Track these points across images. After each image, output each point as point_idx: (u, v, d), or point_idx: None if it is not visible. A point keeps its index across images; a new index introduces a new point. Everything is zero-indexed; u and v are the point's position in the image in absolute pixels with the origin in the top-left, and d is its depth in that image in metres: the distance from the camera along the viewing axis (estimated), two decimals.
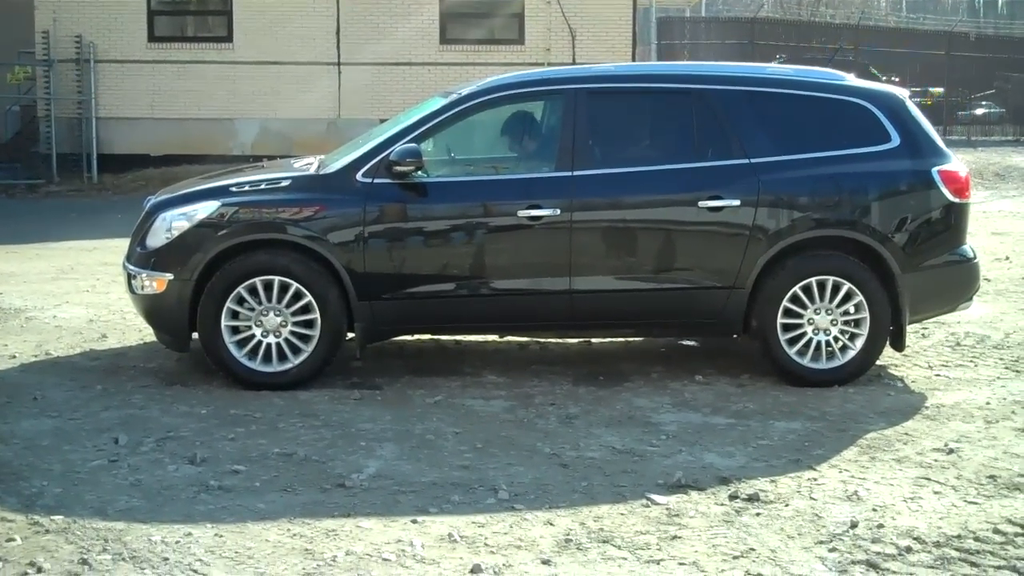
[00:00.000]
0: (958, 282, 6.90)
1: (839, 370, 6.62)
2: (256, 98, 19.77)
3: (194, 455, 5.28)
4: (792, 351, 6.59)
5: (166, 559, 4.17)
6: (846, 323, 6.59)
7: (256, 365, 6.47)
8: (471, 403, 6.28)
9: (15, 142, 23.05)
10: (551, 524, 4.56)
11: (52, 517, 4.54)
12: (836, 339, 6.60)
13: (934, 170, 6.71)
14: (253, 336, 6.47)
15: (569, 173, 6.59)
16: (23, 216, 15.54)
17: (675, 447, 5.54)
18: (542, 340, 7.62)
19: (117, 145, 19.84)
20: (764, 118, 6.74)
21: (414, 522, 4.56)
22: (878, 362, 6.92)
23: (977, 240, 12.72)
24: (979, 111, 32.80)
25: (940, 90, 32.39)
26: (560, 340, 7.65)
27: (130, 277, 6.72)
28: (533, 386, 6.61)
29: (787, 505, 4.77)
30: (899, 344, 6.78)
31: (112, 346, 7.55)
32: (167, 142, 19.59)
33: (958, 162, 6.91)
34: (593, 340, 7.67)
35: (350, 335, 6.65)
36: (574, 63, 19.03)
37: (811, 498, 4.86)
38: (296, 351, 6.48)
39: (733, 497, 4.85)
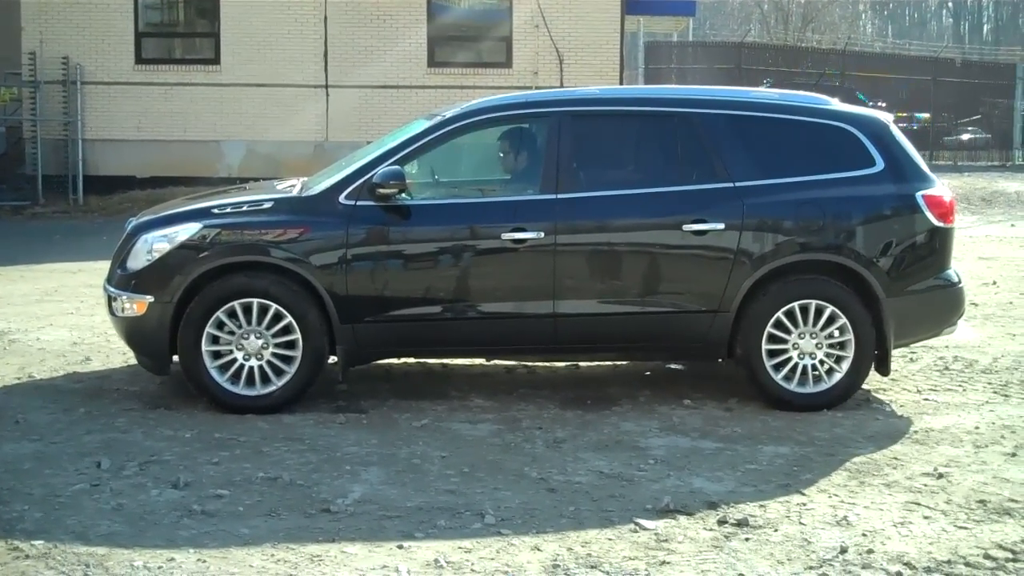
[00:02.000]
0: (943, 306, 6.89)
1: (824, 394, 6.60)
2: (243, 120, 19.75)
3: (177, 479, 5.22)
4: (777, 376, 6.57)
5: None
6: (831, 347, 6.57)
7: (237, 388, 6.41)
8: (458, 427, 6.24)
9: (0, 163, 22.99)
10: (538, 549, 4.51)
11: (32, 542, 4.48)
12: (822, 363, 6.58)
13: (918, 194, 6.71)
14: (234, 359, 6.41)
15: (553, 196, 6.57)
16: (8, 238, 15.45)
17: (663, 472, 5.50)
18: (529, 364, 7.58)
19: (103, 167, 19.79)
20: (748, 142, 6.74)
21: (400, 547, 4.51)
22: (866, 386, 6.90)
23: (964, 265, 12.75)
24: (965, 136, 32.97)
25: (926, 115, 32.57)
26: (547, 364, 7.61)
27: (110, 299, 6.67)
28: (520, 410, 6.57)
29: (776, 530, 4.74)
30: (884, 368, 6.75)
31: (96, 369, 7.48)
32: (153, 164, 19.55)
33: (942, 187, 6.92)
34: (581, 364, 7.63)
35: (333, 358, 6.60)
36: (562, 87, 19.06)
37: (800, 523, 4.82)
38: (278, 374, 6.42)
39: (722, 522, 4.82)
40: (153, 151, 19.69)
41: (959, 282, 6.91)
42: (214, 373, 6.39)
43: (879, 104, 26.08)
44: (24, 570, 4.23)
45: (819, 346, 6.56)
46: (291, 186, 7.11)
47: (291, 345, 6.41)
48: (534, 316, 6.56)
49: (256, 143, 19.76)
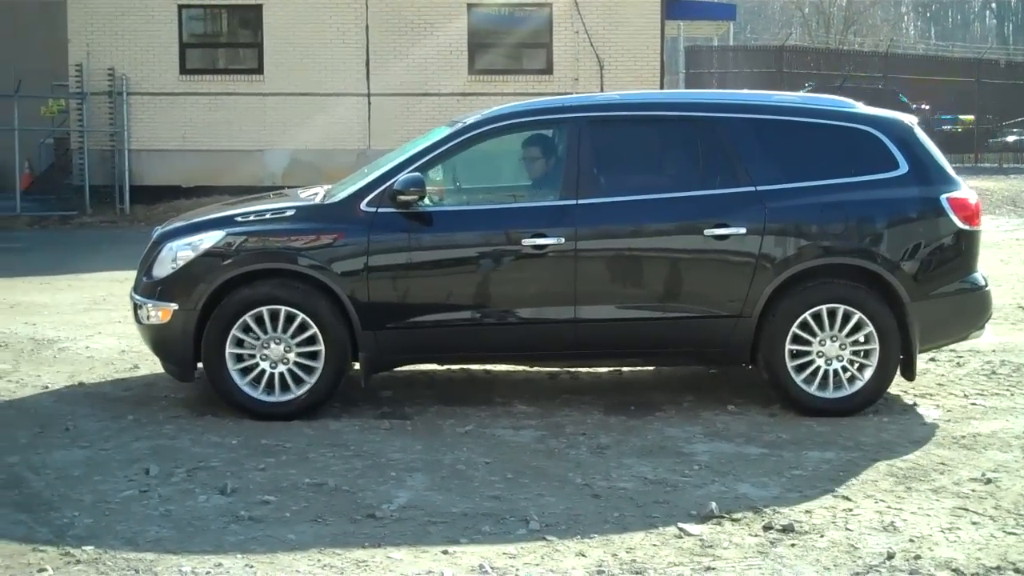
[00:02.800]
0: (969, 310, 6.82)
1: (848, 399, 6.55)
2: (286, 129, 19.91)
3: (224, 485, 5.28)
4: (800, 379, 6.53)
5: None
6: (855, 352, 6.52)
7: (260, 395, 6.47)
8: (501, 433, 6.25)
9: (49, 174, 23.31)
10: (583, 555, 4.51)
11: (83, 548, 4.54)
12: (845, 369, 6.54)
13: (943, 197, 6.65)
14: (257, 366, 6.47)
15: (574, 201, 6.57)
16: (56, 247, 15.67)
17: (708, 477, 5.48)
18: (572, 369, 7.58)
19: (149, 177, 20.02)
20: (770, 146, 6.71)
21: (445, 553, 4.53)
22: (912, 391, 6.84)
23: (1011, 268, 12.61)
24: (1010, 138, 32.60)
25: (970, 117, 32.24)
26: (590, 369, 7.61)
27: (136, 307, 6.76)
28: (564, 416, 6.58)
29: (822, 536, 4.71)
30: (910, 373, 6.68)
31: (143, 376, 7.57)
32: (198, 173, 19.74)
33: (967, 189, 6.84)
34: (624, 369, 7.63)
35: (356, 365, 6.64)
36: (602, 92, 19.05)
37: (847, 529, 4.79)
38: (300, 381, 6.47)
39: (767, 528, 4.80)
40: (197, 161, 19.90)
41: (985, 285, 6.84)
42: (237, 379, 6.45)
43: (922, 107, 25.84)
44: (75, 575, 4.28)
45: (843, 351, 6.52)
46: (314, 194, 7.16)
47: (314, 352, 6.45)
48: (555, 321, 6.57)
49: (299, 152, 19.91)
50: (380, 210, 6.51)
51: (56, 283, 11.98)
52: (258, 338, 6.45)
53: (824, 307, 6.49)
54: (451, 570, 4.35)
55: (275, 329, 6.43)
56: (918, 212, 6.67)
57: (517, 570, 4.36)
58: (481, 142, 6.80)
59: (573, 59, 20.36)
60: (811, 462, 5.71)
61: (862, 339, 6.50)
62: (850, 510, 5.02)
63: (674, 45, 29.35)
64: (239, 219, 6.70)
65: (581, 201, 6.56)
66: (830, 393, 6.54)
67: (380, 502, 5.09)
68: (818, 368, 6.53)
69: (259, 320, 6.44)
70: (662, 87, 20.76)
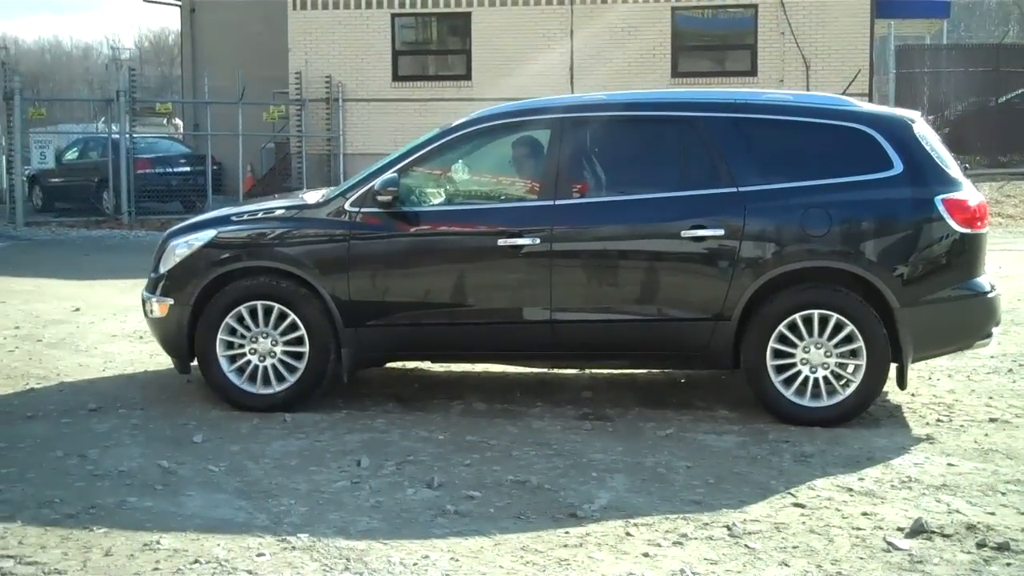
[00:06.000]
0: (968, 317, 6.44)
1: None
2: None
3: (432, 479, 5.43)
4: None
5: None
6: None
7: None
8: (703, 437, 6.22)
9: (269, 177, 24.45)
10: (786, 565, 4.45)
11: (299, 535, 4.75)
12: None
13: (938, 199, 6.29)
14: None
15: (552, 202, 6.53)
16: None
17: (918, 491, 5.31)
18: None
19: None
20: (756, 146, 6.50)
21: (646, 555, 4.54)
22: None
23: None
24: None
25: None
26: None
27: (143, 302, 7.12)
28: (767, 422, 6.48)
29: None
30: (902, 382, 6.39)
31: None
32: None
33: (969, 190, 6.43)
34: None
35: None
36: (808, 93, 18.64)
37: None
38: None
39: (981, 545, 4.61)
40: None
41: (990, 291, 6.42)
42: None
43: None
44: (291, 561, 4.48)
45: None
46: (318, 195, 7.28)
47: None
48: (532, 322, 6.53)
49: None
50: (363, 210, 6.67)
51: None
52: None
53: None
54: (652, 573, 4.36)
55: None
56: (910, 214, 6.34)
57: None
58: (465, 144, 6.89)
59: (778, 60, 20.02)
60: None
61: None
62: None
63: (884, 45, 28.37)
64: (233, 218, 7.02)
65: (559, 202, 6.54)
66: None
67: (581, 502, 5.15)
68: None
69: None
70: (871, 88, 20.17)
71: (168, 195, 22.43)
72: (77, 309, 10.72)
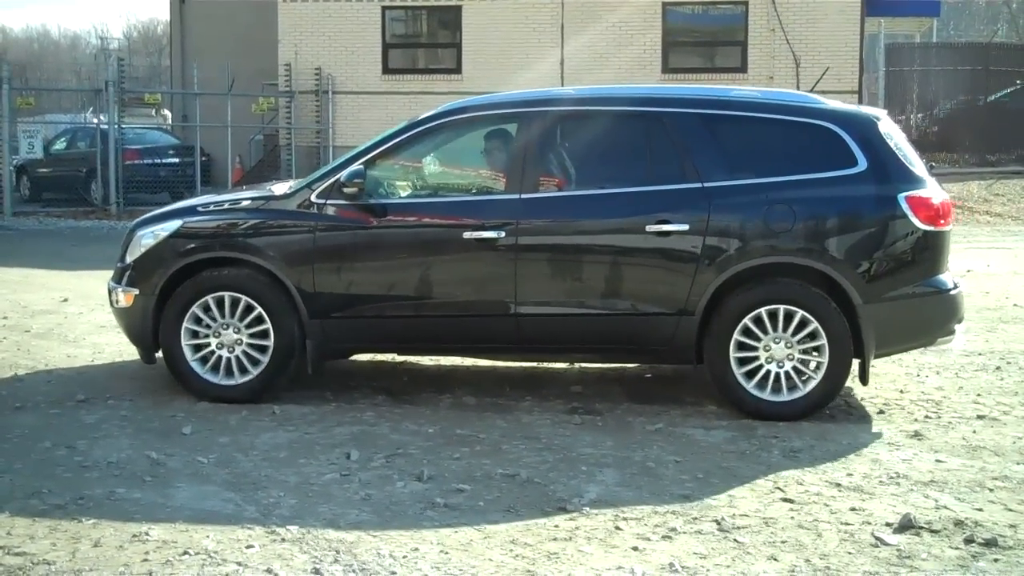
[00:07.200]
0: (930, 314, 6.49)
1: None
2: None
3: (421, 472, 5.44)
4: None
5: (394, 573, 4.30)
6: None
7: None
8: (692, 432, 6.24)
9: (258, 169, 24.40)
10: (775, 559, 4.47)
11: (288, 527, 4.75)
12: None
13: (901, 196, 6.34)
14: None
15: (517, 196, 6.54)
16: None
17: (906, 486, 5.34)
18: None
19: None
20: (722, 142, 6.52)
21: (635, 549, 4.55)
22: None
23: None
24: None
25: None
26: None
27: (109, 291, 7.12)
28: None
29: None
30: (864, 378, 6.44)
31: (344, 365, 7.84)
32: None
33: (933, 188, 6.47)
34: None
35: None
36: (798, 91, 18.70)
37: None
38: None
39: (969, 541, 4.64)
40: None
41: (952, 288, 6.49)
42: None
43: None
44: (281, 553, 4.48)
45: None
46: (285, 186, 7.27)
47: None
48: (497, 315, 6.55)
49: None
50: (328, 202, 6.66)
51: None
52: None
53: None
54: (641, 567, 4.37)
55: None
56: (873, 211, 6.39)
57: (708, 570, 4.35)
58: (433, 136, 6.89)
59: (768, 57, 20.06)
60: (1019, 474, 5.49)
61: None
62: None
63: (874, 42, 28.46)
64: (200, 208, 7.03)
65: (524, 196, 6.55)
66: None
67: (571, 495, 5.16)
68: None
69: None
70: (860, 85, 20.22)
71: (157, 186, 22.35)
72: (65, 299, 10.69)
